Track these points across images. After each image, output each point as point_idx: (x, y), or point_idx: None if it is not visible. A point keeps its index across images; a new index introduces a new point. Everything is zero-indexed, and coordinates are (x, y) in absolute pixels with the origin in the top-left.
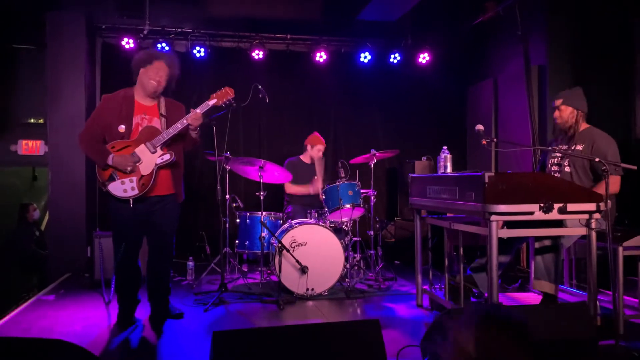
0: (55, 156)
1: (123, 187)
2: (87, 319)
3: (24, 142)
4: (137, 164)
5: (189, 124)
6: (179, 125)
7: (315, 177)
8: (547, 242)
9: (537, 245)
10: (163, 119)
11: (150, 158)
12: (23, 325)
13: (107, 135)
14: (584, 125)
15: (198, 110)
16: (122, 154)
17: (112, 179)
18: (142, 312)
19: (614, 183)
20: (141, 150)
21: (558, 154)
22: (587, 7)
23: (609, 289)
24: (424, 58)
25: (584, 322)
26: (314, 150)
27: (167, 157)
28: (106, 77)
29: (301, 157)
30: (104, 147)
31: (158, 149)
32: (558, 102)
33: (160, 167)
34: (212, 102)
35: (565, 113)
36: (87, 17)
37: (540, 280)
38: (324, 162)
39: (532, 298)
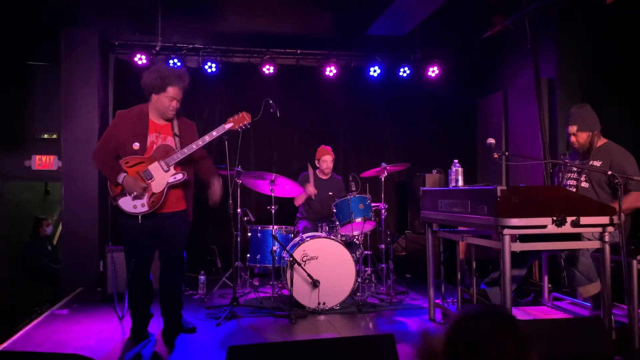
0: (68, 171)
1: (133, 203)
2: (101, 333)
3: (37, 157)
4: (150, 182)
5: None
6: (194, 146)
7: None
8: (566, 252)
9: (563, 256)
10: (177, 138)
11: (162, 176)
12: (37, 339)
13: (121, 151)
14: (601, 141)
15: (214, 133)
16: (138, 169)
17: (123, 194)
18: (155, 326)
19: (637, 199)
20: (154, 167)
21: (574, 169)
22: (597, 20)
23: (624, 303)
24: (433, 71)
25: (599, 336)
26: (321, 162)
27: (179, 176)
28: (119, 92)
29: (317, 172)
30: (117, 164)
31: (171, 167)
32: (572, 129)
33: (171, 186)
34: (228, 125)
35: (582, 138)
36: (100, 34)
37: (585, 287)
38: (334, 178)
39: (545, 312)
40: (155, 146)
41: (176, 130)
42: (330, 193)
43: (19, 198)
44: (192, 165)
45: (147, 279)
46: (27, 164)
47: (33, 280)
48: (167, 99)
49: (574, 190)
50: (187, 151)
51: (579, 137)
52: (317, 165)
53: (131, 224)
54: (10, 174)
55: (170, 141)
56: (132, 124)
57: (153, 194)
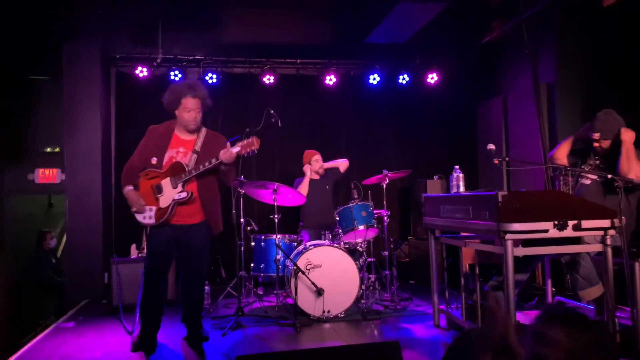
0: (72, 184)
1: (143, 215)
2: (107, 345)
3: (40, 170)
4: (159, 195)
5: (219, 162)
6: (200, 167)
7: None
8: (567, 256)
9: (563, 261)
10: (194, 156)
11: (170, 193)
12: (45, 352)
13: (146, 165)
14: None
15: (227, 154)
16: (153, 182)
17: None
18: (164, 335)
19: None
20: (166, 182)
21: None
22: (595, 23)
23: (627, 305)
24: (432, 78)
25: (603, 339)
26: (314, 163)
27: (183, 195)
28: (121, 105)
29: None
30: (132, 177)
31: (179, 185)
32: (596, 136)
33: (180, 203)
34: (235, 149)
35: (605, 144)
36: (101, 48)
37: (585, 290)
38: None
39: None
40: (174, 161)
41: (197, 147)
42: (327, 187)
43: (23, 211)
44: (214, 177)
45: (159, 287)
46: (30, 177)
47: (38, 293)
48: (185, 111)
49: (589, 183)
50: (194, 172)
51: (602, 143)
52: (309, 169)
53: (154, 234)
54: (14, 187)
55: (188, 158)
56: (157, 139)
57: (160, 208)
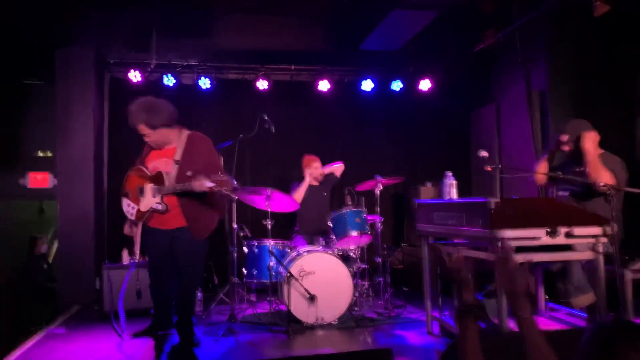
0: (63, 189)
1: (127, 208)
2: (99, 351)
3: (32, 175)
4: (141, 198)
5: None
6: (177, 188)
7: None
8: (558, 265)
9: (554, 269)
10: (176, 167)
11: (149, 200)
12: (35, 358)
13: None
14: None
15: (201, 186)
16: (140, 182)
17: (127, 195)
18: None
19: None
20: (148, 188)
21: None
22: (587, 32)
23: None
24: (426, 85)
25: None
26: (313, 170)
27: (159, 207)
28: (114, 110)
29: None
30: None
31: (158, 197)
32: (564, 137)
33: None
34: (208, 184)
35: (572, 146)
36: (95, 53)
37: (578, 298)
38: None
39: (542, 323)
40: (155, 171)
41: (178, 157)
42: (325, 193)
43: (13, 216)
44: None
45: (161, 286)
46: (22, 182)
47: (29, 298)
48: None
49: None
50: (170, 189)
51: (570, 146)
52: (308, 174)
53: (149, 234)
54: (5, 192)
55: (169, 167)
56: (146, 148)
57: (139, 210)
